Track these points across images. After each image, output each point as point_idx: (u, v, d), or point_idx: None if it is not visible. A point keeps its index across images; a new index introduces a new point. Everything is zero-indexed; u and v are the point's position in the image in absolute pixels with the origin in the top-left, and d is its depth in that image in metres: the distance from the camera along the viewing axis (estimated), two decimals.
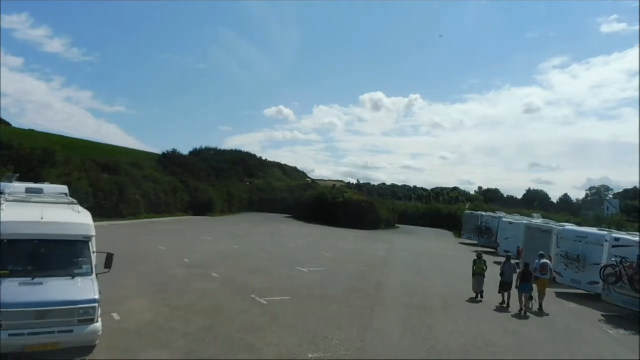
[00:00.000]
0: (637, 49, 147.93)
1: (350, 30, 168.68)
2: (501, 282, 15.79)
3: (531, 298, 15.15)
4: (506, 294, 15.62)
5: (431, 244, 36.77)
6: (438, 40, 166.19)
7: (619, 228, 33.53)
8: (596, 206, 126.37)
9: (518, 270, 15.98)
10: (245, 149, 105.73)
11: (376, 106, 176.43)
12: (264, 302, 13.13)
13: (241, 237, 30.24)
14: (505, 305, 15.41)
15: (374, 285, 17.11)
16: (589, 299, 17.63)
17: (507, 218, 30.53)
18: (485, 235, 33.91)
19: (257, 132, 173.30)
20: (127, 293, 12.84)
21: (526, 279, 15.21)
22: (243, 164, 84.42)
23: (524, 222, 27.46)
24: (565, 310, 16.36)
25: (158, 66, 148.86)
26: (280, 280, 16.47)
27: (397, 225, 56.23)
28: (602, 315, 15.64)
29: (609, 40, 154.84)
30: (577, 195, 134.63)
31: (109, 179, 38.55)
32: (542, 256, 16.68)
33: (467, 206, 62.76)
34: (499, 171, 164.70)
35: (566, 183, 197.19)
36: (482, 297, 16.23)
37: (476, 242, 37.18)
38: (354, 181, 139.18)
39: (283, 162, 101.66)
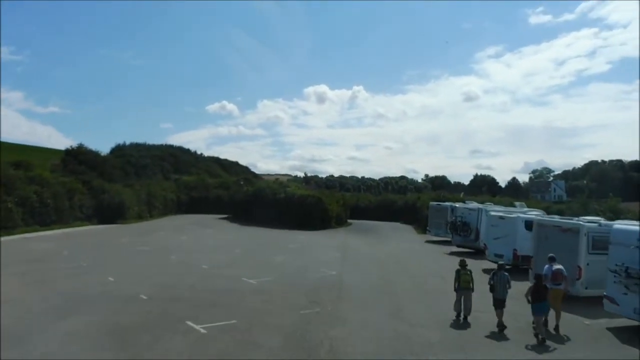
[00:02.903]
0: (563, 39, 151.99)
1: (291, 24, 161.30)
2: (494, 299, 12.04)
3: (546, 322, 11.74)
4: (499, 313, 11.86)
5: (395, 247, 29.42)
6: (377, 32, 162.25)
7: (617, 216, 27.72)
8: (543, 188, 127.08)
9: (511, 283, 12.24)
10: (189, 146, 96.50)
11: (320, 99, 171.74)
12: None
13: (137, 257, 21.55)
14: (499, 329, 11.65)
15: None
16: None
17: (495, 211, 23.59)
18: (462, 233, 26.97)
19: (200, 128, 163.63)
20: None
21: (541, 296, 11.32)
22: (172, 160, 74.38)
23: (521, 215, 20.65)
24: None
25: (93, 63, 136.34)
26: None
27: (349, 220, 48.90)
28: None
29: (537, 31, 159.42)
30: (519, 178, 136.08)
31: None
32: (552, 260, 12.49)
33: (419, 196, 56.61)
34: (442, 158, 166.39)
35: (506, 167, 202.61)
36: (465, 318, 12.43)
37: (446, 240, 30.43)
38: (302, 174, 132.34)
39: (222, 157, 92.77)
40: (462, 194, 32.67)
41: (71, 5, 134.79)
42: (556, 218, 17.25)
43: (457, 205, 30.02)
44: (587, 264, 14.64)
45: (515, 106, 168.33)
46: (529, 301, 11.49)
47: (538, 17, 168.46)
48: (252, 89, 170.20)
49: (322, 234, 36.32)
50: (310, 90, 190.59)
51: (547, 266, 12.38)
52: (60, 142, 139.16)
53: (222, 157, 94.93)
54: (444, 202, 35.02)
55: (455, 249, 27.61)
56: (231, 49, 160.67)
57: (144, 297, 13.53)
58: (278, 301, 13.62)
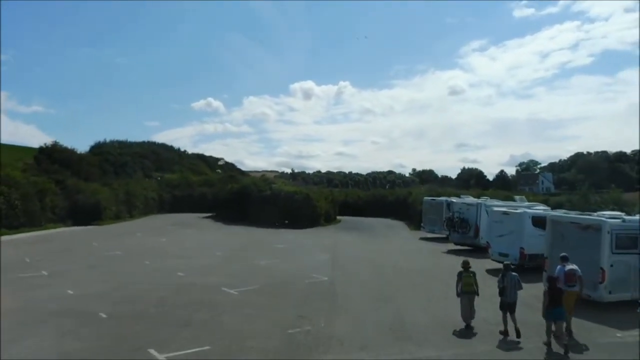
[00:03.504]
0: (546, 32, 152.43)
1: (278, 21, 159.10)
2: (502, 302, 11.05)
3: (570, 332, 10.64)
4: (508, 317, 10.85)
5: (390, 245, 27.63)
6: (364, 28, 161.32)
7: (621, 208, 26.23)
8: (531, 181, 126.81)
9: (521, 284, 11.14)
10: (175, 144, 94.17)
11: (307, 95, 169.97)
12: None
13: (106, 264, 19.44)
14: (504, 333, 10.76)
15: None
16: None
17: (497, 206, 21.92)
18: (460, 229, 25.32)
19: (186, 126, 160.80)
20: None
21: (557, 301, 10.02)
22: (153, 157, 71.79)
23: (527, 210, 19.02)
24: None
25: (77, 61, 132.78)
26: None
27: (338, 217, 46.99)
28: None
29: (521, 24, 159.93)
30: (506, 171, 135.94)
31: None
32: (564, 259, 11.34)
33: (410, 191, 54.94)
34: (429, 152, 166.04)
35: (492, 160, 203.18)
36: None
37: (441, 236, 28.84)
38: (289, 171, 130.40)
39: (207, 154, 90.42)
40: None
41: (54, 4, 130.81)
42: (572, 214, 15.56)
43: (453, 200, 28.33)
44: (611, 265, 13.05)
45: (500, 99, 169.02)
46: (544, 315, 10.13)
47: (522, 11, 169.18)
48: (238, 85, 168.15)
49: (311, 233, 34.43)
50: (296, 86, 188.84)
51: (559, 267, 11.26)
52: (43, 141, 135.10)
53: (207, 154, 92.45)
54: (438, 196, 33.39)
55: (452, 246, 26.00)
56: (216, 45, 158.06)
57: (104, 316, 11.51)
58: (261, 317, 11.69)
